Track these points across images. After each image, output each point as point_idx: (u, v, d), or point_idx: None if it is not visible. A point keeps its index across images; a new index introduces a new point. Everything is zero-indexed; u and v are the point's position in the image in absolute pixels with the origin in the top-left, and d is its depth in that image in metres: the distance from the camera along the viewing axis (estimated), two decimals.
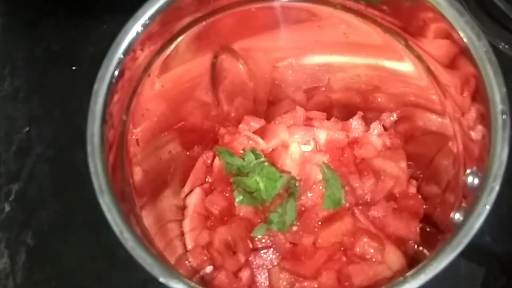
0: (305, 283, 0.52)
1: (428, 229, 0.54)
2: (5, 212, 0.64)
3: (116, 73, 0.44)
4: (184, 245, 0.57)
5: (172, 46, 0.48)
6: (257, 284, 0.54)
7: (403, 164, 0.57)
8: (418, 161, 0.58)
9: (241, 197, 0.56)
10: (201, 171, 0.61)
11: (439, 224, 0.52)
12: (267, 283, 0.54)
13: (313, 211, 0.54)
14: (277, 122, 0.62)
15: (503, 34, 0.58)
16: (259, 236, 0.55)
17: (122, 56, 0.44)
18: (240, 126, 0.62)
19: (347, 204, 0.55)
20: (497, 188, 0.40)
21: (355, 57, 0.56)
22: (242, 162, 0.58)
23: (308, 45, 0.56)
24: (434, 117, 0.53)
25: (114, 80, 0.44)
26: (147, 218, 0.49)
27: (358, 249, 0.52)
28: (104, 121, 0.43)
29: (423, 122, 0.55)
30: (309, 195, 0.55)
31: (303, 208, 0.55)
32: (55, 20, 0.73)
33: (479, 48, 0.41)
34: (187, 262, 0.55)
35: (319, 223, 0.54)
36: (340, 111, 0.62)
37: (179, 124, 0.57)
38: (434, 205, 0.54)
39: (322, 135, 0.60)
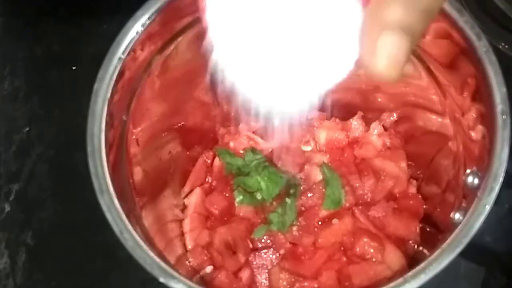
0: (305, 283, 0.52)
1: (428, 229, 0.54)
2: (5, 212, 0.64)
3: (116, 73, 0.44)
4: (184, 245, 0.57)
5: (172, 46, 0.48)
6: (257, 284, 0.54)
7: (403, 164, 0.57)
8: (418, 161, 0.58)
9: (241, 197, 0.56)
10: (201, 171, 0.61)
11: (439, 224, 0.52)
12: (267, 283, 0.54)
13: (313, 211, 0.54)
14: None
15: (503, 34, 0.58)
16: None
17: (122, 56, 0.44)
18: (240, 126, 0.62)
19: (347, 204, 0.55)
20: (497, 188, 0.40)
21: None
22: (243, 162, 0.58)
23: None
24: (434, 117, 0.53)
25: (114, 80, 0.44)
26: (147, 218, 0.49)
27: (358, 249, 0.52)
28: (104, 121, 0.43)
29: (423, 122, 0.55)
30: (309, 195, 0.55)
31: (303, 208, 0.55)
32: (55, 20, 0.73)
33: (479, 48, 0.41)
34: (187, 262, 0.55)
35: (319, 223, 0.54)
36: (340, 111, 0.62)
37: (179, 124, 0.57)
38: (434, 205, 0.54)
39: (322, 135, 0.60)
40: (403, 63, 0.27)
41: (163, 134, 0.55)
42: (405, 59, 0.27)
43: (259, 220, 0.56)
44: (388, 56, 0.26)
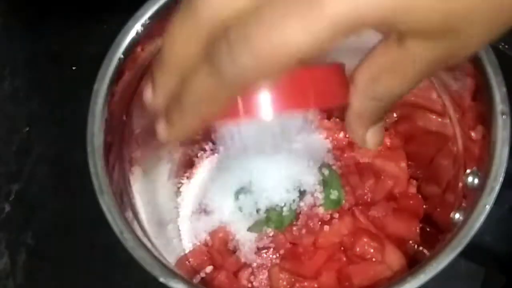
0: (305, 283, 0.52)
1: (428, 229, 0.54)
2: (5, 212, 0.64)
3: (116, 73, 0.44)
4: (184, 245, 0.57)
5: None
6: (257, 284, 0.54)
7: (403, 164, 0.57)
8: (418, 161, 0.58)
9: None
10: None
11: (439, 224, 0.52)
12: (267, 283, 0.54)
13: (313, 211, 0.54)
14: None
15: (503, 34, 0.58)
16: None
17: (122, 56, 0.44)
18: None
19: (347, 204, 0.55)
20: (497, 188, 0.40)
21: (355, 57, 0.56)
22: None
23: None
24: (434, 117, 0.53)
25: (114, 80, 0.44)
26: (147, 218, 0.49)
27: (358, 249, 0.52)
28: (104, 121, 0.43)
29: (423, 122, 0.55)
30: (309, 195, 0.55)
31: (303, 208, 0.55)
32: (55, 20, 0.73)
33: None
34: (187, 262, 0.55)
35: (319, 223, 0.54)
36: (340, 111, 0.62)
37: None
38: (434, 205, 0.54)
39: (322, 135, 0.60)
40: (383, 136, 0.32)
41: None
42: (383, 133, 0.33)
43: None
44: (375, 142, 0.32)
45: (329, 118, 0.61)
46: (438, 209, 0.53)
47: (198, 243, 0.57)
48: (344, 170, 0.57)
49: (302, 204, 0.55)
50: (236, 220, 0.55)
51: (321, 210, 0.54)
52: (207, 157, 0.61)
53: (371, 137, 0.31)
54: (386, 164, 0.57)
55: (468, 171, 0.45)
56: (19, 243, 0.63)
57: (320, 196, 0.54)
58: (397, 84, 0.28)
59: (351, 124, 0.31)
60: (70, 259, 0.61)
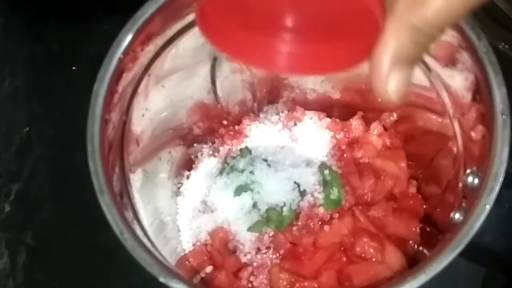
0: (305, 283, 0.52)
1: (428, 229, 0.54)
2: (5, 212, 0.64)
3: (116, 73, 0.44)
4: (184, 245, 0.57)
5: (172, 46, 0.48)
6: (257, 284, 0.54)
7: (403, 164, 0.57)
8: (418, 161, 0.58)
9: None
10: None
11: (439, 224, 0.52)
12: (267, 283, 0.54)
13: (313, 211, 0.54)
14: None
15: (503, 34, 0.58)
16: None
17: (122, 56, 0.43)
18: (240, 126, 0.62)
19: (347, 204, 0.55)
20: (497, 188, 0.40)
21: None
22: None
23: None
24: (434, 117, 0.53)
25: (114, 80, 0.44)
26: (147, 218, 0.49)
27: (358, 249, 0.52)
28: (104, 121, 0.43)
29: (423, 122, 0.55)
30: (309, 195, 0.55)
31: (303, 208, 0.55)
32: (55, 20, 0.73)
33: (479, 48, 0.41)
34: (187, 262, 0.55)
35: (319, 223, 0.54)
36: (340, 111, 0.62)
37: (179, 124, 0.57)
38: (434, 205, 0.54)
39: (322, 135, 0.60)
40: (408, 88, 0.28)
41: (163, 134, 0.55)
42: (409, 85, 0.28)
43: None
44: (400, 89, 0.28)
45: (329, 118, 0.62)
46: (438, 209, 0.53)
47: (198, 243, 0.57)
48: (344, 170, 0.57)
49: (302, 204, 0.55)
50: (236, 220, 0.55)
51: (321, 210, 0.54)
52: (207, 157, 0.61)
53: (396, 81, 0.27)
54: (386, 164, 0.57)
55: (468, 171, 0.45)
56: (19, 243, 0.63)
57: (320, 196, 0.55)
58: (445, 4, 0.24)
59: (379, 59, 0.27)
60: (70, 259, 0.61)
